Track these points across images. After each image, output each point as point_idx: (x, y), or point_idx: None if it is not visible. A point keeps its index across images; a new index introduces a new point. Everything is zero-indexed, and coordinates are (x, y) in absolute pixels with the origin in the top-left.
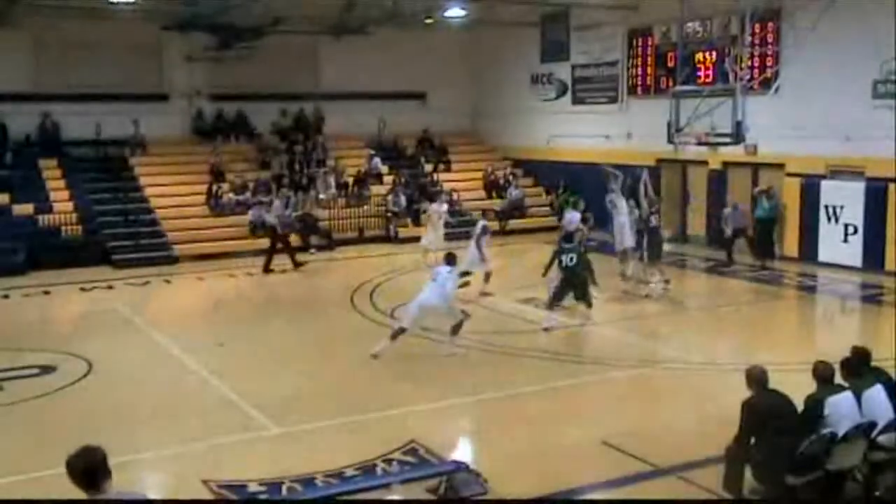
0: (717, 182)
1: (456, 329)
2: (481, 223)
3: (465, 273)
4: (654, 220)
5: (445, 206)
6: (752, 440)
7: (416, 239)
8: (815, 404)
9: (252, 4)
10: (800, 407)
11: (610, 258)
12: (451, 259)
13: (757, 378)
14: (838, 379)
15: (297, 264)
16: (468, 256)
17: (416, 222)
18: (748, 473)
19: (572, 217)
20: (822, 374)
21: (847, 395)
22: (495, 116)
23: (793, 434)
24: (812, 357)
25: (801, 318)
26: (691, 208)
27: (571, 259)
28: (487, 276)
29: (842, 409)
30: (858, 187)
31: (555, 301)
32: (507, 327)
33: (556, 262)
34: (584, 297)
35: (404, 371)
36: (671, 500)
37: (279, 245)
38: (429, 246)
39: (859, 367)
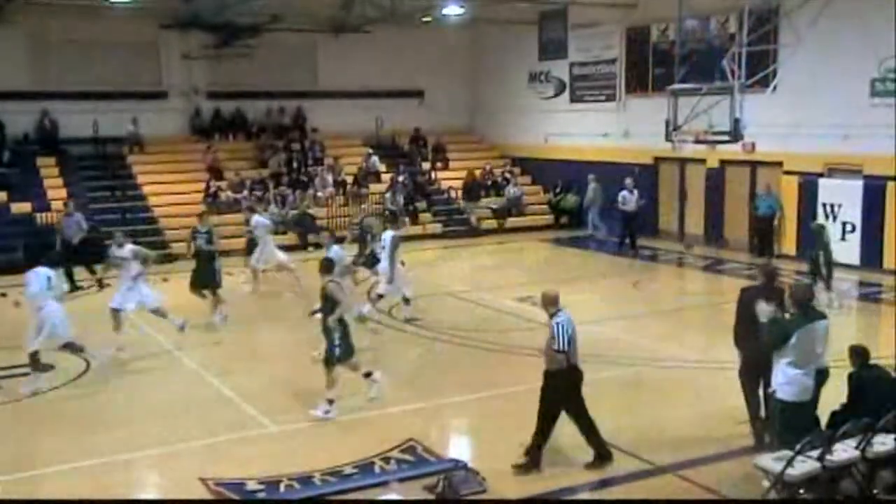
0: (715, 180)
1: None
2: (391, 234)
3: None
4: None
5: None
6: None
7: (415, 237)
8: (784, 327)
9: (250, 2)
10: None
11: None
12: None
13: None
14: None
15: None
16: (388, 275)
17: (415, 220)
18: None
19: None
20: (799, 297)
21: (815, 326)
22: (493, 114)
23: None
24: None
25: None
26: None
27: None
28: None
29: (808, 340)
30: (856, 185)
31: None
32: (505, 325)
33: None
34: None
35: (402, 369)
36: (670, 499)
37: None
38: (256, 264)
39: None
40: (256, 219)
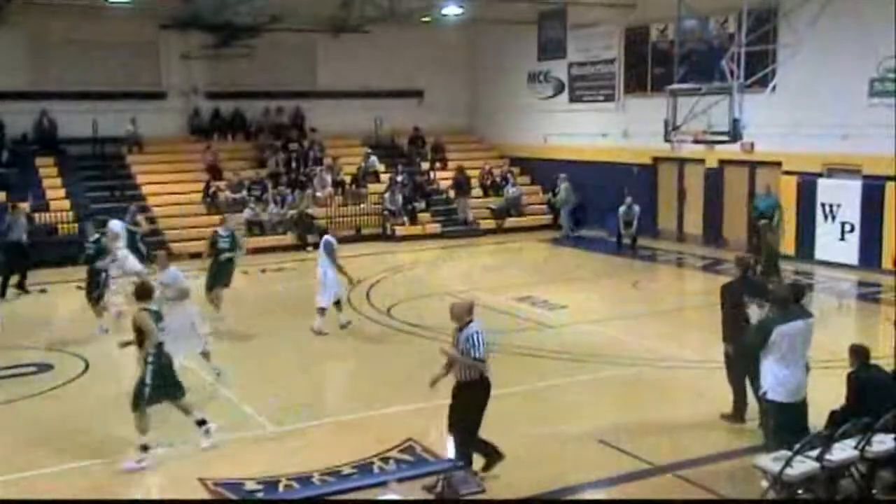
0: (714, 180)
1: None
2: (325, 238)
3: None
4: None
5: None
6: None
7: (414, 237)
8: (765, 326)
9: (250, 2)
10: None
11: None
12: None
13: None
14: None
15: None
16: (328, 282)
17: (414, 220)
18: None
19: None
20: (779, 296)
21: (797, 324)
22: (492, 114)
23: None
24: (810, 353)
25: None
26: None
27: None
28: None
29: (790, 337)
30: (855, 185)
31: None
32: (504, 325)
33: None
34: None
35: (401, 369)
36: (670, 499)
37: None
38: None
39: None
40: (110, 223)
